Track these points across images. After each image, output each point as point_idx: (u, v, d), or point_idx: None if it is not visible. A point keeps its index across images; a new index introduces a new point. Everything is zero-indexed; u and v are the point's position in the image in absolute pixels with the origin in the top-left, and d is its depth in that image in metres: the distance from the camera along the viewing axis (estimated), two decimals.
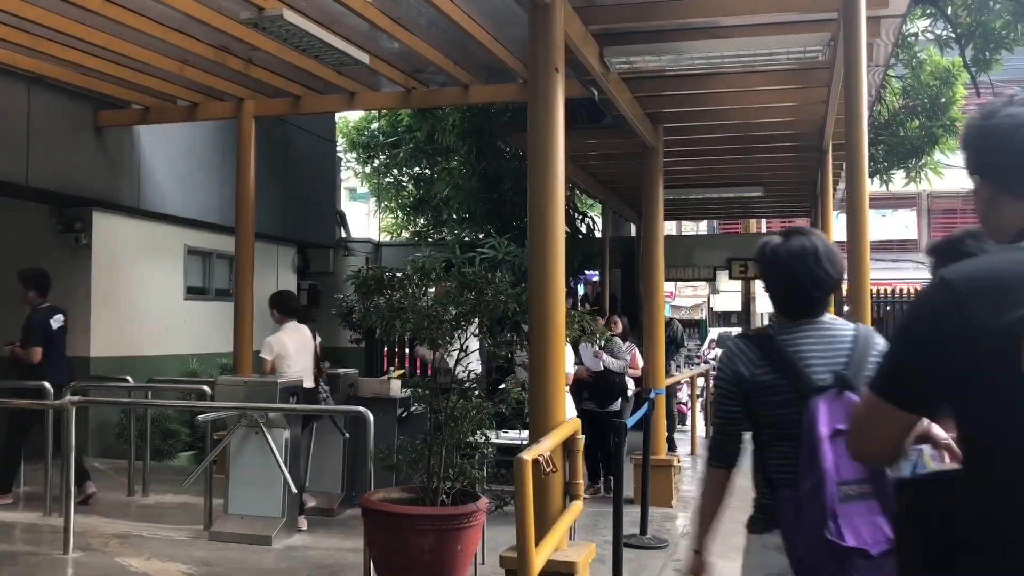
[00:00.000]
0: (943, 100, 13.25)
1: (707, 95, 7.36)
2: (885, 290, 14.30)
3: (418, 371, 13.48)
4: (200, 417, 6.45)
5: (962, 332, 1.56)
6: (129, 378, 8.09)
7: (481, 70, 8.06)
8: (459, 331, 4.91)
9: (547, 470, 3.94)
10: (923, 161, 13.64)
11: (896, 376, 1.70)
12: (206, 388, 7.24)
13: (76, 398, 6.08)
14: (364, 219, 24.49)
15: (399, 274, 5.14)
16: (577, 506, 4.41)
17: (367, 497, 4.84)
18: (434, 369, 5.32)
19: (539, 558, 3.72)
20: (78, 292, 9.75)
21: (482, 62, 7.82)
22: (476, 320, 4.95)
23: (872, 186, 11.21)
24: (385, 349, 14.42)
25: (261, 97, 8.75)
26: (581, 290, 15.14)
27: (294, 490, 6.02)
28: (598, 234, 13.61)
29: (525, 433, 5.04)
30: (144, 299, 10.52)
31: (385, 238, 19.68)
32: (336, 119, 16.10)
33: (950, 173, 15.64)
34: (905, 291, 14.16)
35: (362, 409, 5.63)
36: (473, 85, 8.18)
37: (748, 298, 17.73)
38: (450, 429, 4.85)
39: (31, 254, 10.01)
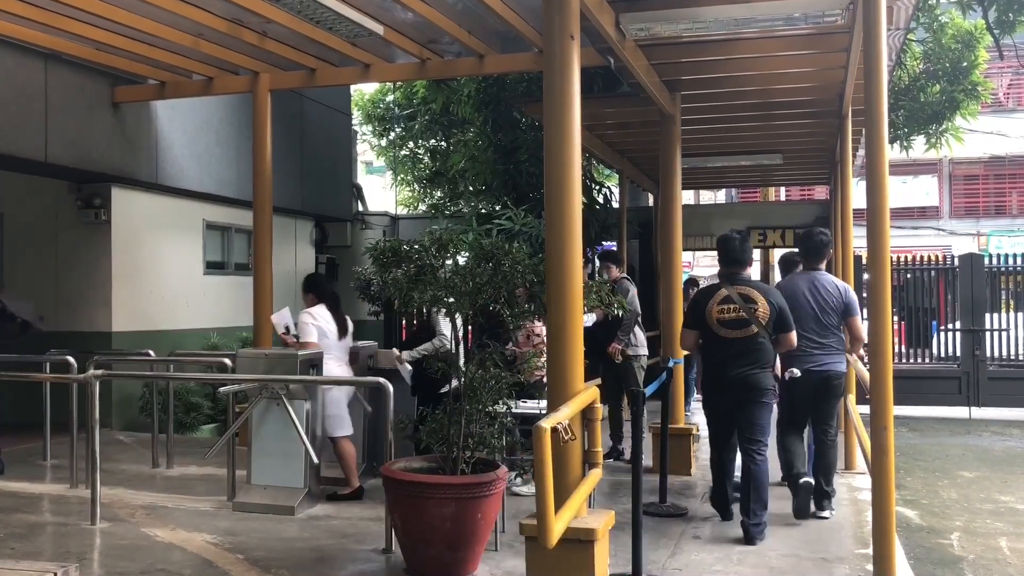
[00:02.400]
0: (965, 64, 13.04)
1: (725, 61, 7.28)
2: (905, 257, 14.17)
3: None
4: (222, 389, 6.53)
5: (698, 306, 5.84)
6: (151, 352, 8.17)
7: (496, 39, 8.02)
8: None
9: (566, 438, 3.96)
10: (944, 127, 13.46)
11: (687, 318, 6.02)
12: (227, 361, 7.30)
13: (99, 372, 6.14)
14: (381, 192, 24.51)
15: (416, 246, 5.15)
16: (596, 474, 4.43)
17: (388, 467, 4.89)
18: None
19: (559, 525, 3.75)
20: (99, 267, 9.85)
21: (497, 31, 7.78)
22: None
23: (892, 152, 11.07)
24: (404, 321, 14.47)
25: (276, 70, 8.74)
26: (598, 261, 15.11)
27: (315, 460, 6.08)
28: (615, 204, 13.55)
29: (544, 403, 5.06)
30: (164, 274, 10.60)
31: (402, 211, 19.70)
32: (351, 92, 16.07)
33: (971, 139, 15.44)
34: (925, 258, 14.03)
35: (382, 380, 5.67)
36: (488, 55, 8.13)
37: (767, 266, 17.61)
38: (469, 399, 4.88)
39: (51, 230, 10.11)
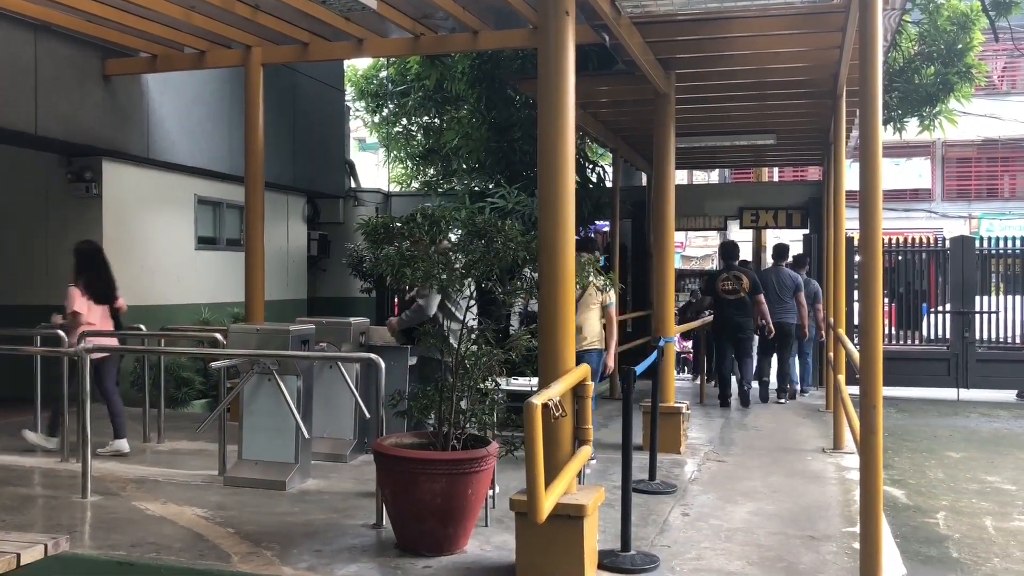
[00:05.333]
0: (960, 46, 12.99)
1: (720, 40, 7.25)
2: (897, 240, 14.20)
3: None
4: (213, 364, 6.52)
5: (713, 281, 10.80)
6: (142, 326, 8.15)
7: (490, 15, 7.97)
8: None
9: (556, 415, 3.98)
10: (938, 109, 13.43)
11: (707, 288, 11.97)
12: (219, 336, 7.30)
13: (90, 346, 6.13)
14: (373, 169, 24.41)
15: (410, 223, 5.13)
16: (586, 451, 4.46)
17: (379, 442, 4.90)
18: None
19: (548, 501, 3.78)
20: None
21: (491, 6, 7.73)
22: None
23: (885, 134, 11.07)
24: (396, 298, 14.48)
25: (269, 44, 8.68)
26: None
27: (306, 436, 6.10)
28: (609, 183, 13.53)
29: (535, 380, 5.08)
30: (155, 249, 10.56)
31: (395, 188, 19.63)
32: (344, 67, 15.97)
33: (965, 121, 15.42)
34: (917, 241, 14.07)
35: (373, 356, 5.67)
36: (482, 31, 8.09)
37: (759, 247, 17.63)
38: (461, 376, 4.89)
39: (42, 204, 10.06)
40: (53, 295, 9.87)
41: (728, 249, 10.96)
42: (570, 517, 4.21)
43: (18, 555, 3.33)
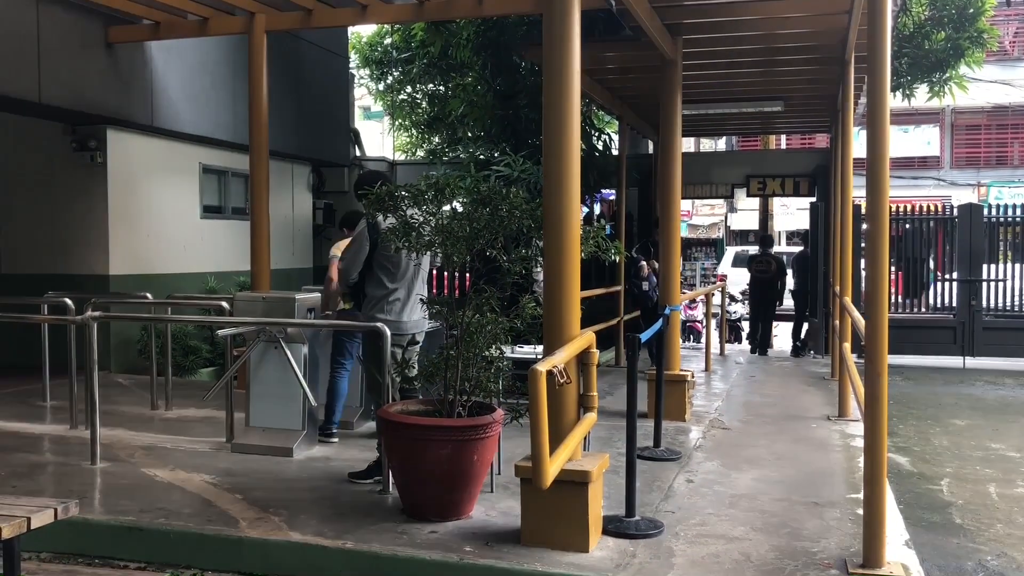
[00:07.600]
0: (971, 11, 12.86)
1: (727, 5, 7.18)
2: (904, 208, 14.14)
3: (434, 290, 13.55)
4: (220, 332, 6.54)
5: (749, 263, 14.13)
6: (148, 294, 8.18)
7: None
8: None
9: (561, 381, 3.99)
10: (948, 75, 13.31)
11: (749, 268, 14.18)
12: (225, 304, 7.31)
13: (97, 314, 6.15)
14: (378, 138, 24.34)
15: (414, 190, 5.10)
16: (591, 418, 4.47)
17: (385, 409, 4.93)
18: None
19: (553, 467, 3.80)
20: (95, 210, 9.81)
21: None
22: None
23: (894, 100, 10.97)
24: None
25: (272, 11, 8.60)
26: (597, 209, 15.06)
27: (313, 403, 6.13)
28: (615, 151, 13.46)
29: (540, 348, 5.08)
30: (161, 217, 10.57)
31: (400, 157, 19.56)
32: (349, 34, 15.85)
33: (974, 88, 15.28)
34: (925, 209, 14.00)
35: (379, 325, 5.68)
36: None
37: (766, 216, 17.58)
38: (466, 344, 4.90)
39: (47, 173, 10.05)
40: (59, 264, 9.92)
41: (764, 240, 14.70)
42: (575, 483, 4.24)
43: (28, 519, 3.36)
